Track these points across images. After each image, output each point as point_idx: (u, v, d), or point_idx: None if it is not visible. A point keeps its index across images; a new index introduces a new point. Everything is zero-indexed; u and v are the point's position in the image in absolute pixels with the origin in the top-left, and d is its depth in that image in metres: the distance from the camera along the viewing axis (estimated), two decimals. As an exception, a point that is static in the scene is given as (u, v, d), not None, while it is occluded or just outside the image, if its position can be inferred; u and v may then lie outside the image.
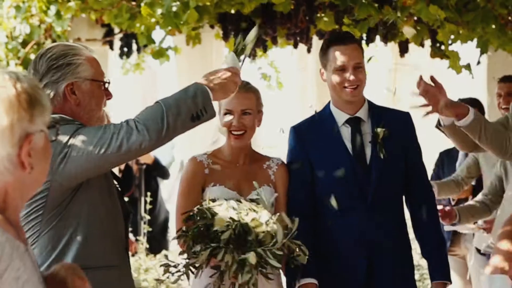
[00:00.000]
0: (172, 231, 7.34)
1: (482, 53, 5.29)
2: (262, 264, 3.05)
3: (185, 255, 3.17)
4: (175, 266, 3.13)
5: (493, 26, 5.09)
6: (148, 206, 6.45)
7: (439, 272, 3.53)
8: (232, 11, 4.99)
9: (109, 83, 2.83)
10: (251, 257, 3.02)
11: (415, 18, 5.26)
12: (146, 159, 7.14)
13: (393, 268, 3.48)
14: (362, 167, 3.48)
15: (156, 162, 7.34)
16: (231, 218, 3.09)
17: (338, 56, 3.45)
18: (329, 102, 3.63)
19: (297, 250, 3.17)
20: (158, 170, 7.38)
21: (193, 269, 3.13)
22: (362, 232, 3.44)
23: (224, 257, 3.03)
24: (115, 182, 2.89)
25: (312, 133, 3.57)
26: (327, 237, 3.49)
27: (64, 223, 2.66)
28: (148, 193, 6.54)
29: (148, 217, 6.47)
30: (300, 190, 3.52)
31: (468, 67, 5.36)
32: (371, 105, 3.60)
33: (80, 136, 2.62)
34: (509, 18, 5.17)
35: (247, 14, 4.89)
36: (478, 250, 5.04)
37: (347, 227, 3.45)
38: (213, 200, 3.24)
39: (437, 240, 3.56)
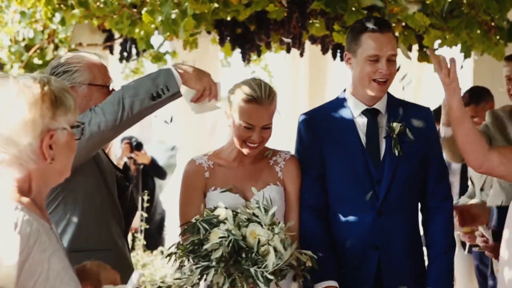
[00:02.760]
0: (167, 229, 7.59)
1: (465, 57, 5.51)
2: (255, 281, 2.84)
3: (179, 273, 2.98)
4: (168, 287, 2.98)
5: (478, 32, 5.31)
6: (145, 204, 6.67)
7: (440, 280, 3.27)
8: (228, 18, 5.20)
9: (107, 86, 3.05)
10: (238, 280, 2.84)
11: (403, 24, 5.50)
12: (144, 159, 7.38)
13: (403, 268, 3.25)
14: (375, 162, 3.24)
15: (153, 162, 7.57)
16: (227, 230, 2.86)
17: (373, 44, 3.16)
18: (343, 90, 3.36)
19: (308, 261, 2.95)
20: (155, 170, 7.61)
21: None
22: (373, 231, 3.21)
23: (213, 278, 2.85)
24: (121, 175, 3.17)
25: (325, 122, 3.30)
26: (337, 231, 3.26)
27: (63, 209, 2.91)
28: (146, 192, 6.77)
29: (145, 214, 6.70)
30: (313, 182, 3.26)
31: (452, 71, 5.58)
32: (390, 98, 3.35)
33: None
34: (492, 24, 5.40)
35: (242, 20, 5.10)
36: (463, 245, 5.21)
37: (358, 224, 3.22)
38: (214, 209, 2.99)
39: (447, 245, 3.29)
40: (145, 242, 6.65)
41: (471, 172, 5.17)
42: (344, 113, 3.29)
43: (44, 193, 2.10)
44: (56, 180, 2.11)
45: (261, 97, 3.11)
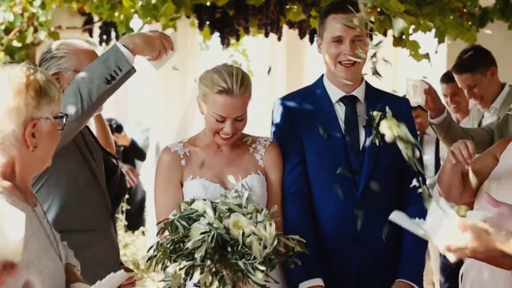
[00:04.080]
0: (148, 209, 7.68)
1: (439, 43, 5.65)
2: (245, 274, 2.63)
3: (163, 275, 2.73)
4: None
5: (451, 18, 5.46)
6: (126, 186, 6.76)
7: (411, 272, 3.11)
8: (208, 3, 5.29)
9: None
10: (227, 276, 2.64)
11: (378, 9, 5.62)
12: (124, 141, 7.47)
13: (383, 261, 3.11)
14: (354, 151, 3.11)
15: (133, 144, 7.66)
16: (208, 224, 2.64)
17: (336, 26, 3.05)
18: (321, 76, 3.23)
19: (296, 246, 2.77)
20: (135, 152, 7.70)
21: None
22: (351, 223, 3.07)
23: (200, 279, 2.64)
24: (112, 157, 3.27)
25: (303, 107, 3.16)
26: (318, 222, 3.11)
27: (46, 191, 2.98)
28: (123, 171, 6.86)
29: (126, 196, 6.78)
30: (294, 168, 3.11)
31: (427, 56, 5.73)
32: (369, 87, 3.23)
33: None
34: (464, 10, 5.54)
35: (221, 6, 5.20)
36: None
37: (336, 215, 3.08)
38: (192, 202, 2.78)
39: (420, 239, 3.04)
40: (126, 223, 6.76)
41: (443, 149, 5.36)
42: (323, 99, 3.16)
43: (27, 179, 2.17)
44: (38, 167, 2.20)
45: (233, 89, 2.89)
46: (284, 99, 3.24)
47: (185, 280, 2.67)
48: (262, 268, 2.59)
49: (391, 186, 3.16)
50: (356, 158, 3.10)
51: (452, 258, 2.38)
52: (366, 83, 3.22)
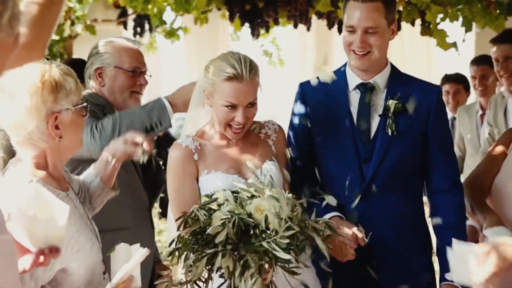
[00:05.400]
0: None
1: (466, 31, 5.71)
2: (272, 258, 2.51)
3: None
4: (175, 286, 2.65)
5: (478, 6, 5.51)
6: (160, 175, 6.92)
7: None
8: (238, -4, 5.43)
9: (132, 71, 3.27)
10: (250, 260, 2.51)
11: (406, 0, 5.70)
12: (157, 131, 7.64)
13: (396, 255, 2.99)
14: (364, 140, 3.01)
15: (166, 134, 7.82)
16: (229, 211, 2.53)
17: (351, 14, 2.97)
18: (346, 63, 3.15)
19: (326, 230, 2.63)
20: (168, 141, 7.86)
21: (200, 284, 2.60)
22: (358, 214, 2.94)
23: (222, 263, 2.51)
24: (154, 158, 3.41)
25: (318, 93, 3.07)
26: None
27: None
28: (160, 163, 7.03)
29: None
30: (298, 148, 3.05)
31: (454, 44, 5.79)
32: (395, 73, 3.10)
33: None
34: (492, -1, 5.60)
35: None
36: None
37: (343, 205, 2.96)
38: (212, 195, 2.66)
39: (462, 230, 2.97)
40: (160, 210, 6.92)
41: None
42: (340, 86, 3.08)
43: (59, 166, 2.33)
44: (69, 154, 2.35)
45: (242, 74, 2.79)
46: (303, 83, 3.17)
47: (208, 270, 2.57)
48: (286, 241, 2.47)
49: (408, 176, 3.02)
50: (365, 147, 3.00)
51: None
52: (392, 69, 3.10)
